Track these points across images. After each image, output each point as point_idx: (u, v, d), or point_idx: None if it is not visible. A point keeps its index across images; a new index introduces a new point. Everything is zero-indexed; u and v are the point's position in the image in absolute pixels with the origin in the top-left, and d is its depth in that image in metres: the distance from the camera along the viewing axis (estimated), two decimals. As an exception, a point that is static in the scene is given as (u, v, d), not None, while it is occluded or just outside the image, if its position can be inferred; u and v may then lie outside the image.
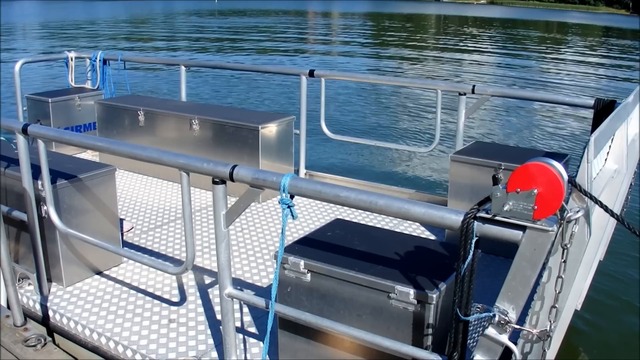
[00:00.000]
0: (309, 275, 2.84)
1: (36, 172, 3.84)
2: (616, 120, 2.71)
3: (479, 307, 2.24)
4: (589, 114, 4.69)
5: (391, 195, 2.40)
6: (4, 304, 4.15)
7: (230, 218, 2.86)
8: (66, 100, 7.26)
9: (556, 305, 2.17)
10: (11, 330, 3.84)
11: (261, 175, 2.68)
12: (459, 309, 2.27)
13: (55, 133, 3.86)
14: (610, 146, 2.96)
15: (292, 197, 2.59)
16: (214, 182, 2.84)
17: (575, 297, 2.87)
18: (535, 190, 1.98)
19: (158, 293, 4.13)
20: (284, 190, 2.55)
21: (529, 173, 1.99)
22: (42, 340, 3.72)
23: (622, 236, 6.13)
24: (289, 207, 2.57)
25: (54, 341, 3.87)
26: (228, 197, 2.89)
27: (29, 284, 4.18)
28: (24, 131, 3.66)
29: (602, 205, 2.00)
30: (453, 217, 2.19)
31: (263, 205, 5.75)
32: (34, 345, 3.68)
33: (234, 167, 2.75)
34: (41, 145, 3.68)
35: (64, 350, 3.75)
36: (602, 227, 2.86)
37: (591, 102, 4.67)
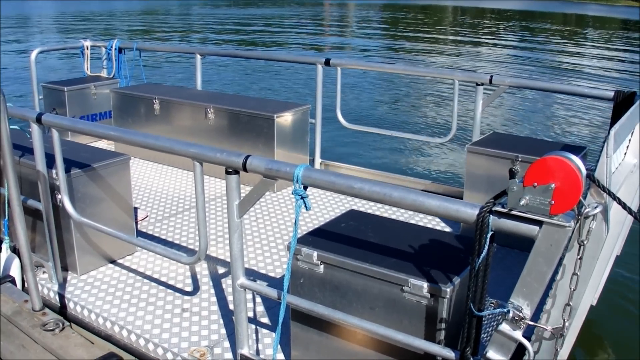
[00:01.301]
0: (321, 266, 2.82)
1: (50, 161, 3.85)
2: (636, 113, 2.66)
3: (492, 303, 2.21)
4: (608, 106, 4.61)
5: (406, 187, 2.38)
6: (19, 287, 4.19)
7: (243, 208, 2.85)
8: (82, 89, 7.28)
9: (570, 304, 2.14)
10: (29, 315, 3.86)
11: (274, 165, 2.65)
12: (473, 304, 2.24)
13: (68, 122, 3.88)
14: (630, 140, 2.91)
15: (305, 187, 2.57)
16: (227, 172, 2.82)
17: (592, 293, 2.83)
18: (553, 185, 1.94)
19: (171, 282, 4.13)
20: (297, 181, 2.53)
21: (547, 167, 1.95)
22: (60, 324, 3.74)
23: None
24: (302, 198, 2.55)
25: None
26: (242, 186, 2.87)
27: (44, 272, 4.20)
28: (38, 120, 3.67)
29: (620, 203, 1.96)
30: (468, 211, 2.16)
31: (278, 195, 5.74)
32: (52, 330, 3.69)
33: (247, 157, 2.73)
34: (55, 134, 3.69)
35: (80, 335, 3.76)
36: (620, 222, 2.81)
37: (610, 94, 4.58)
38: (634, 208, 3.42)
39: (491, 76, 5.27)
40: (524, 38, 32.23)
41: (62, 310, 4.01)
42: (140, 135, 3.40)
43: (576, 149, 4.52)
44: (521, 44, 29.08)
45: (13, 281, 4.24)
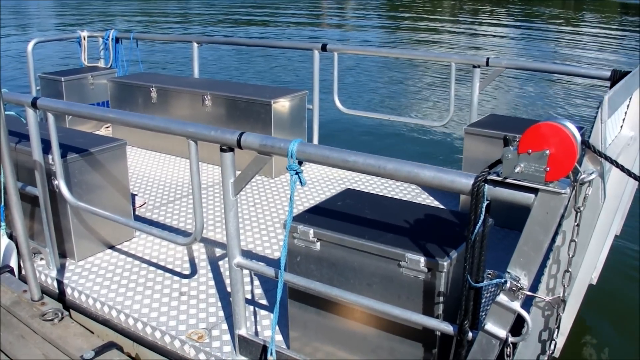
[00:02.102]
0: (318, 244, 2.80)
1: (47, 147, 3.83)
2: (632, 82, 2.63)
3: (490, 274, 2.20)
4: (606, 86, 4.59)
5: (401, 160, 2.36)
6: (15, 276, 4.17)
7: (238, 186, 2.83)
8: (79, 79, 7.26)
9: (569, 270, 2.12)
10: (28, 305, 3.85)
11: (269, 141, 2.64)
12: (470, 276, 2.23)
13: (64, 106, 3.85)
14: (626, 112, 2.89)
15: (300, 163, 2.56)
16: (222, 150, 2.80)
17: (590, 268, 2.81)
18: (547, 151, 1.92)
19: (169, 266, 4.12)
20: (291, 156, 2.51)
21: (541, 133, 1.93)
22: (60, 314, 3.73)
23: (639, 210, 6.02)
24: (297, 173, 2.53)
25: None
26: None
27: (41, 259, 4.18)
28: (34, 105, 3.65)
29: (617, 165, 1.94)
30: (463, 181, 2.14)
31: (276, 180, 5.73)
32: (52, 320, 3.68)
33: (241, 134, 2.71)
34: (51, 118, 3.67)
35: (80, 324, 3.75)
36: (617, 197, 2.79)
37: (607, 73, 4.56)
38: (633, 183, 3.41)
39: (488, 58, 5.24)
40: (522, 21, 32.03)
41: (59, 296, 4.01)
42: (136, 116, 3.39)
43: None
44: (519, 27, 28.89)
45: (12, 271, 4.23)
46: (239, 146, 2.71)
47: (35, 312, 3.78)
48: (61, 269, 4.12)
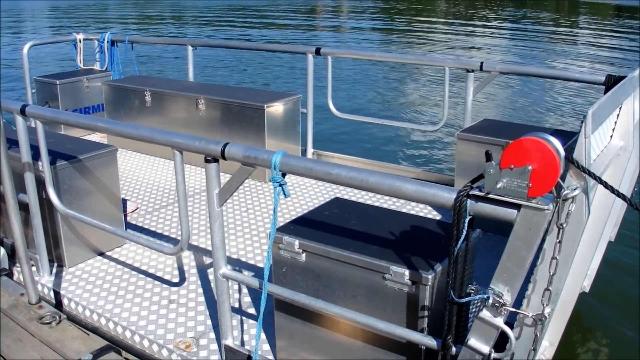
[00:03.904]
0: (303, 255, 2.78)
1: (37, 154, 3.81)
2: (620, 93, 2.60)
3: (473, 289, 2.17)
4: (601, 91, 4.56)
5: (383, 173, 2.34)
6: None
7: (223, 197, 2.81)
8: (74, 82, 7.24)
9: (550, 288, 2.09)
10: (26, 308, 3.85)
11: (252, 153, 2.62)
12: (453, 291, 2.21)
13: (52, 114, 3.83)
14: (616, 122, 2.87)
15: (284, 175, 2.54)
16: (207, 161, 2.79)
17: (579, 278, 2.78)
18: (530, 167, 1.90)
19: (159, 274, 4.10)
20: (274, 168, 2.49)
21: (523, 148, 1.91)
22: (57, 317, 3.73)
23: (635, 216, 5.99)
24: (280, 185, 2.51)
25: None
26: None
27: (32, 265, 4.16)
28: (22, 112, 3.63)
29: (600, 181, 1.92)
30: (445, 195, 2.12)
31: (269, 185, 5.70)
32: (49, 323, 3.68)
33: (225, 145, 2.69)
34: (39, 126, 3.66)
35: (77, 327, 3.74)
36: (607, 206, 2.76)
37: (602, 78, 4.55)
38: (625, 192, 3.38)
39: (482, 62, 5.21)
40: (517, 25, 31.99)
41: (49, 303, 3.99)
42: (122, 125, 3.37)
43: (568, 134, 4.47)
44: (514, 31, 28.87)
45: (9, 274, 4.23)
46: (223, 157, 2.70)
47: (32, 316, 3.78)
48: (51, 276, 4.10)
